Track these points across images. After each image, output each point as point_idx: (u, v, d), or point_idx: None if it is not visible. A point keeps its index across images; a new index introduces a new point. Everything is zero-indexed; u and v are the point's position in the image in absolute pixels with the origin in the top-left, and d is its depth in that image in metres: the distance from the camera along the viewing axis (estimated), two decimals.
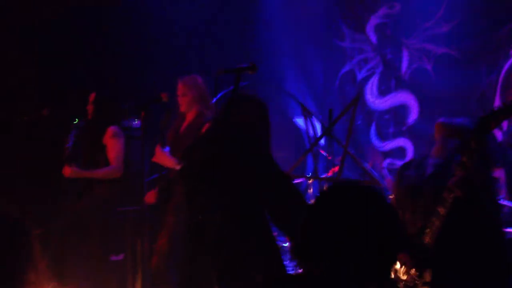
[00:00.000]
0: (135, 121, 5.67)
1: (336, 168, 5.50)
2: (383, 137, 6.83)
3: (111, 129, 4.80)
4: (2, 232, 1.54)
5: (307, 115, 5.45)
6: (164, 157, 4.37)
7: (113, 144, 4.78)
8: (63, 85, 6.00)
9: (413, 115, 6.58)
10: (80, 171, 4.74)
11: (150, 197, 4.51)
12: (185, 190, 3.33)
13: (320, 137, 5.54)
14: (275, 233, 3.59)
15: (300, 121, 6.95)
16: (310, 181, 5.86)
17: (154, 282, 4.45)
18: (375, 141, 6.87)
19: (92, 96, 4.90)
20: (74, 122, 5.63)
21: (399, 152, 6.64)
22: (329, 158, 5.58)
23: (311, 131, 5.74)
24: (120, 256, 5.24)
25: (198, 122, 4.43)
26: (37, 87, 5.97)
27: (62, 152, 4.85)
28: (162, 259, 4.37)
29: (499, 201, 3.85)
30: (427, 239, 3.15)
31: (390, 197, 5.30)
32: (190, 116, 4.58)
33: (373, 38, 6.89)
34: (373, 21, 6.87)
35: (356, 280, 1.67)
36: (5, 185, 5.21)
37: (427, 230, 3.15)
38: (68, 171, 4.72)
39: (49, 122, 5.36)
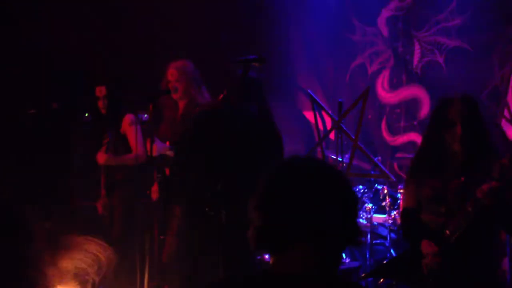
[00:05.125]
0: (145, 115, 5.66)
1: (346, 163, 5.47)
2: (394, 131, 6.77)
3: (128, 117, 4.91)
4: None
5: (316, 108, 5.42)
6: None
7: (132, 132, 4.87)
8: (73, 79, 6.00)
9: (424, 109, 6.51)
10: (113, 157, 4.91)
11: (154, 191, 4.51)
12: (186, 180, 3.34)
13: (330, 131, 5.50)
14: None
15: (309, 115, 6.91)
16: None
17: (165, 275, 4.45)
18: (386, 135, 6.81)
19: (102, 91, 4.95)
20: (85, 115, 5.67)
21: (410, 146, 6.58)
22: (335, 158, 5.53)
23: (320, 125, 5.70)
24: None
25: (191, 110, 4.42)
26: (46, 81, 5.98)
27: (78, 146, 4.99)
28: (172, 252, 4.37)
29: None
30: (448, 233, 3.21)
31: (400, 191, 5.28)
32: (182, 104, 4.55)
33: (384, 31, 6.83)
34: (384, 14, 6.81)
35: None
36: (11, 178, 5.23)
37: (451, 227, 3.21)
38: (103, 157, 4.89)
39: (58, 115, 5.37)
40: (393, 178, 5.33)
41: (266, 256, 4.91)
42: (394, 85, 6.79)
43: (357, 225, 1.70)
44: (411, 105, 6.63)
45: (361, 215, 5.41)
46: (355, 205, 1.70)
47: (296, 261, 1.62)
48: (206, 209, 3.10)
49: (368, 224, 5.29)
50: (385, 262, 4.91)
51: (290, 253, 1.63)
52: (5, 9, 5.85)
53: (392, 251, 5.28)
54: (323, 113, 5.81)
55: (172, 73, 4.55)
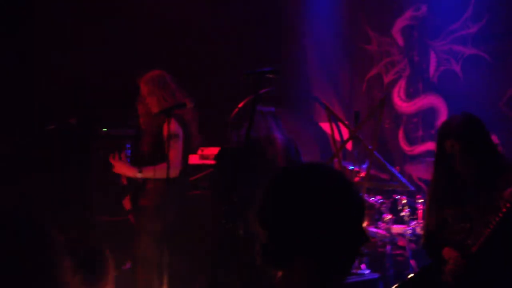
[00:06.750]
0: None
1: (363, 173, 5.45)
2: (411, 141, 6.74)
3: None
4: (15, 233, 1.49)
5: (332, 119, 5.42)
6: (123, 167, 4.29)
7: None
8: (90, 94, 6.06)
9: (442, 118, 6.47)
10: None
11: (126, 203, 4.47)
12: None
13: (346, 141, 5.50)
14: None
15: (326, 126, 6.91)
16: None
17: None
18: (404, 145, 6.78)
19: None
20: (103, 130, 5.68)
21: (428, 156, 6.54)
22: (356, 170, 5.50)
23: (337, 136, 5.70)
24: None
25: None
26: (65, 96, 6.04)
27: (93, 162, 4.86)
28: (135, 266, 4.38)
29: None
30: (470, 242, 3.25)
31: (420, 201, 5.25)
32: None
33: (399, 40, 6.83)
34: (400, 23, 6.80)
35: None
36: (30, 193, 5.27)
37: (473, 237, 3.25)
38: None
39: (77, 131, 5.40)
40: (411, 188, 5.31)
41: None
42: (410, 95, 6.77)
43: (361, 233, 1.62)
44: (428, 114, 6.60)
45: (380, 226, 5.38)
46: (359, 211, 1.63)
47: (301, 275, 1.60)
48: (223, 221, 3.10)
49: (388, 235, 5.26)
50: (409, 277, 4.89)
51: (295, 267, 1.61)
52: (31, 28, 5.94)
53: (412, 261, 5.24)
54: (340, 123, 5.81)
55: (142, 88, 4.41)
